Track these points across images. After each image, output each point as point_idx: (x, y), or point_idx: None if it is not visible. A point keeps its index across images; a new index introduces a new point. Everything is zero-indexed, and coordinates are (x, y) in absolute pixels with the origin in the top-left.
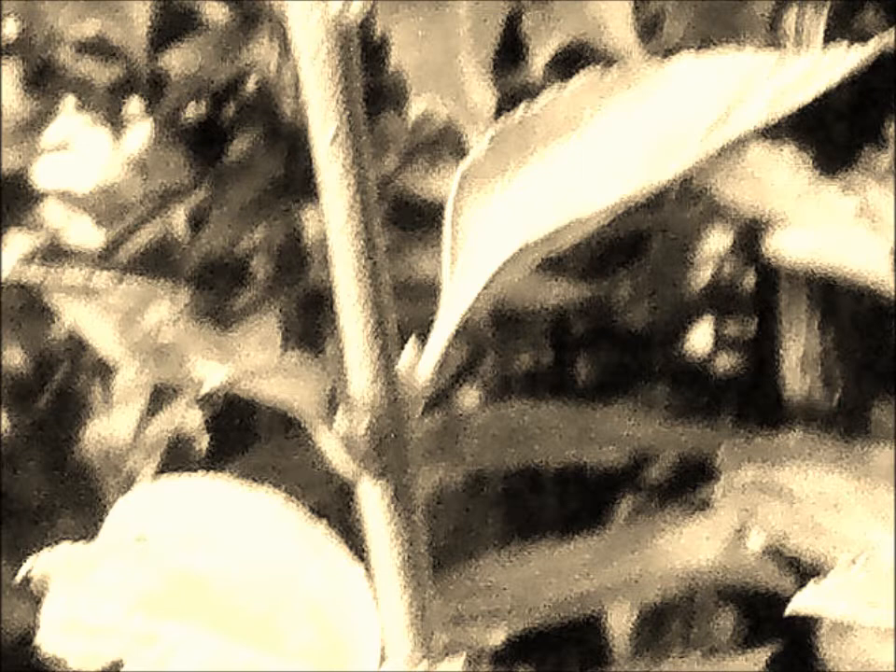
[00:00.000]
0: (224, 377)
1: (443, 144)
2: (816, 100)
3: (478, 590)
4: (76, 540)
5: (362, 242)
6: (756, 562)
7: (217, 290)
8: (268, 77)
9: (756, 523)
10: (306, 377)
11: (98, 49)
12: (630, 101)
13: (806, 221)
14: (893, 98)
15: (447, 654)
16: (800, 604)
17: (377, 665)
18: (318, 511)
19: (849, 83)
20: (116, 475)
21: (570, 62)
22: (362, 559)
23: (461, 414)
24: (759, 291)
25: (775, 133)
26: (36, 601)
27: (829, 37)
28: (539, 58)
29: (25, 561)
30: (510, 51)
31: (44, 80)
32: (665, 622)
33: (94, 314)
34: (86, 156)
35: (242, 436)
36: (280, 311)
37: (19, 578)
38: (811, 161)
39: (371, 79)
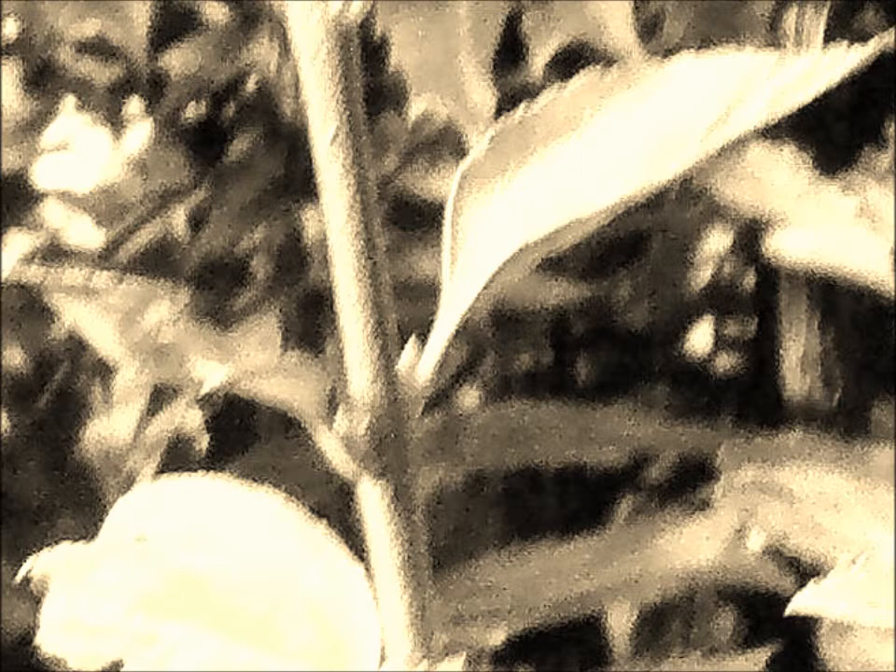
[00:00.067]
0: (224, 377)
1: (443, 144)
2: (816, 100)
3: (478, 590)
4: (76, 540)
5: (362, 242)
6: (756, 562)
7: (217, 290)
8: (268, 77)
9: (756, 523)
10: (306, 377)
11: (98, 48)
12: (630, 101)
13: (806, 221)
14: (893, 98)
15: (447, 654)
16: (800, 604)
17: (377, 665)
18: (318, 511)
19: (849, 83)
20: (116, 475)
21: (570, 62)
22: (362, 559)
23: (461, 414)
24: (759, 291)
25: (775, 132)
26: (36, 601)
27: (829, 37)
28: (539, 58)
29: (25, 561)
30: (510, 51)
31: (44, 80)
32: (665, 622)
33: (94, 314)
34: (86, 156)
35: (242, 436)
36: (280, 311)
37: (19, 578)
38: (811, 161)
39: (371, 79)
